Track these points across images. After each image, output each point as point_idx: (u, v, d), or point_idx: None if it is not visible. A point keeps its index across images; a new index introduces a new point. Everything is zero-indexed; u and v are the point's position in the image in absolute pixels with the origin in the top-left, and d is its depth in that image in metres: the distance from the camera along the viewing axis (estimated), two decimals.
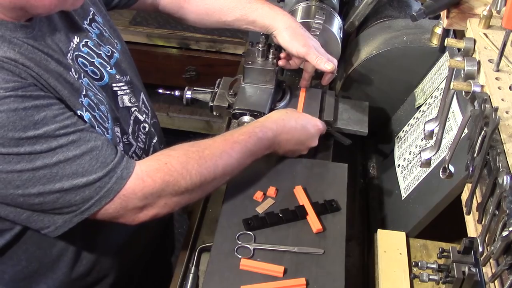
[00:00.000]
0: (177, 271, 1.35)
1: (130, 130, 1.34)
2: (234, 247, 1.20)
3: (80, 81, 1.18)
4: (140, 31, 2.85)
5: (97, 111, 1.19)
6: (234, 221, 1.26)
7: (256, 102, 1.50)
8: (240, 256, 1.19)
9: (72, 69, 1.17)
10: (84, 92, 1.17)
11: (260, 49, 1.54)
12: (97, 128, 1.17)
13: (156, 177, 1.13)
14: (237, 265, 1.17)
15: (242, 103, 1.51)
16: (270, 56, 1.56)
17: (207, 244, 1.36)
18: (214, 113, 1.60)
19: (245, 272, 1.16)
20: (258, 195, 1.30)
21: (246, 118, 1.46)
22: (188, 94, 1.64)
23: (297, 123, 1.35)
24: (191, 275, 1.31)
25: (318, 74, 1.66)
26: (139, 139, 1.37)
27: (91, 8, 1.33)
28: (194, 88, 1.64)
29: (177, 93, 1.67)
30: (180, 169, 1.16)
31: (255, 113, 1.45)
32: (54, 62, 1.12)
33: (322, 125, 1.42)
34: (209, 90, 1.62)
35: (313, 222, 1.24)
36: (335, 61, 1.48)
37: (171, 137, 2.88)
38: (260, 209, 1.29)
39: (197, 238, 1.41)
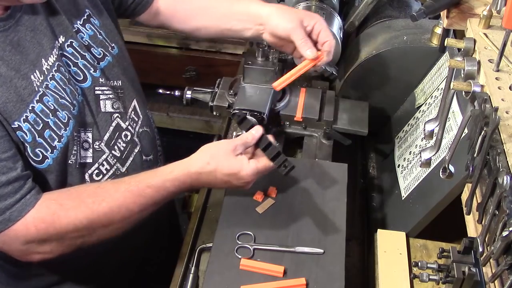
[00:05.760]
0: (177, 271, 1.35)
1: (106, 137, 1.31)
2: (234, 247, 1.20)
3: (45, 83, 1.16)
4: (140, 31, 2.84)
5: (51, 118, 1.16)
6: (234, 221, 1.26)
7: (256, 102, 1.50)
8: (240, 256, 1.19)
9: (37, 71, 1.15)
10: (37, 98, 1.14)
11: (261, 49, 1.54)
12: (38, 138, 1.14)
13: (40, 227, 1.10)
14: (237, 265, 1.17)
15: (242, 103, 1.51)
16: (270, 56, 1.56)
17: (207, 244, 1.36)
18: (214, 113, 1.60)
19: (245, 272, 1.16)
20: (258, 195, 1.30)
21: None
22: (188, 94, 1.64)
23: (216, 178, 1.19)
24: (191, 275, 1.31)
25: (320, 75, 1.67)
26: (115, 146, 1.33)
27: (87, 10, 1.31)
28: (194, 88, 1.64)
29: (177, 93, 1.67)
30: (66, 224, 1.12)
31: (255, 113, 1.45)
32: (5, 67, 1.09)
33: (251, 176, 1.19)
34: (209, 90, 1.62)
35: None
36: (331, 48, 1.33)
37: (171, 137, 2.87)
38: (260, 209, 1.29)
39: (197, 238, 1.41)
